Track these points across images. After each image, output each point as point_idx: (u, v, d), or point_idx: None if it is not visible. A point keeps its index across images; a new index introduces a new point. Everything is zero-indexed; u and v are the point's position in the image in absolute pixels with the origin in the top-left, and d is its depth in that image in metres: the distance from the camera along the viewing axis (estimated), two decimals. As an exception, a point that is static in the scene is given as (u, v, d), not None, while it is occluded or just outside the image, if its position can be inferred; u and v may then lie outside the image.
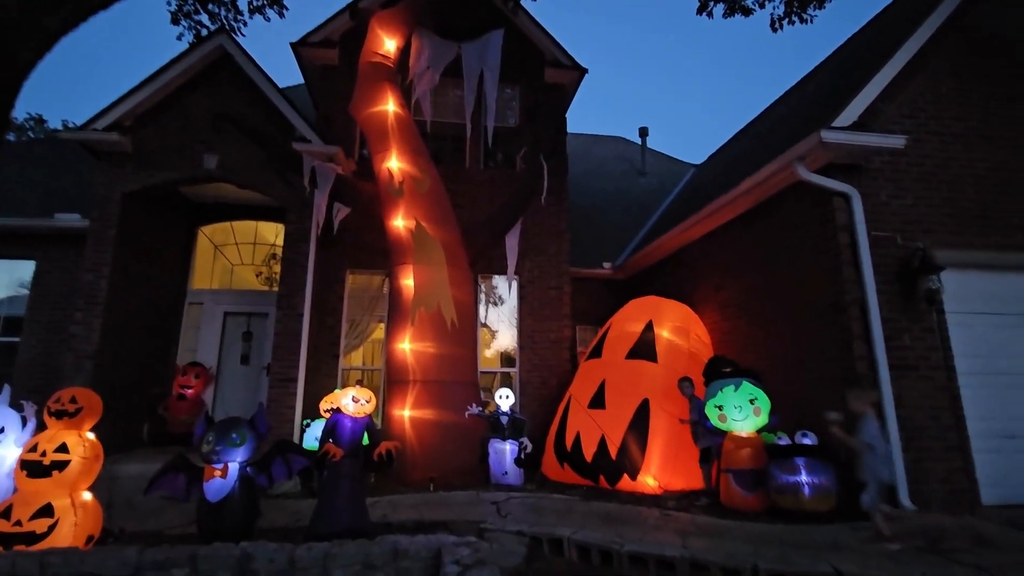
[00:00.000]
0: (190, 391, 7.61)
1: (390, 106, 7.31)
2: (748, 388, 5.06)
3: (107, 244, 6.91)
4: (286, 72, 12.53)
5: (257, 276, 9.23)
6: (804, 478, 4.48)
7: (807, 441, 4.70)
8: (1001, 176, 5.53)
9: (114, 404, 5.91)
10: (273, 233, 9.13)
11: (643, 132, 14.53)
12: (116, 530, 4.58)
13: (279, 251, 8.25)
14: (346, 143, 8.31)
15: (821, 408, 5.13)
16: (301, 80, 10.21)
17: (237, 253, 9.19)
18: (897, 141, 5.26)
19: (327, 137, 7.62)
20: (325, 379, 7.60)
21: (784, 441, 4.78)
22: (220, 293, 8.88)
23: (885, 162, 5.41)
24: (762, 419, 4.99)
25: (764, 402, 5.03)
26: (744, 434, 5.02)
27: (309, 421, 6.55)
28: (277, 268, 8.43)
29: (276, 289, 7.72)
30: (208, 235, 9.08)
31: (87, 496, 4.10)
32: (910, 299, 5.02)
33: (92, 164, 7.52)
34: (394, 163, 7.10)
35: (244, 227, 9.17)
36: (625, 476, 5.57)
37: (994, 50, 5.91)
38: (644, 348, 6.30)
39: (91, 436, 4.21)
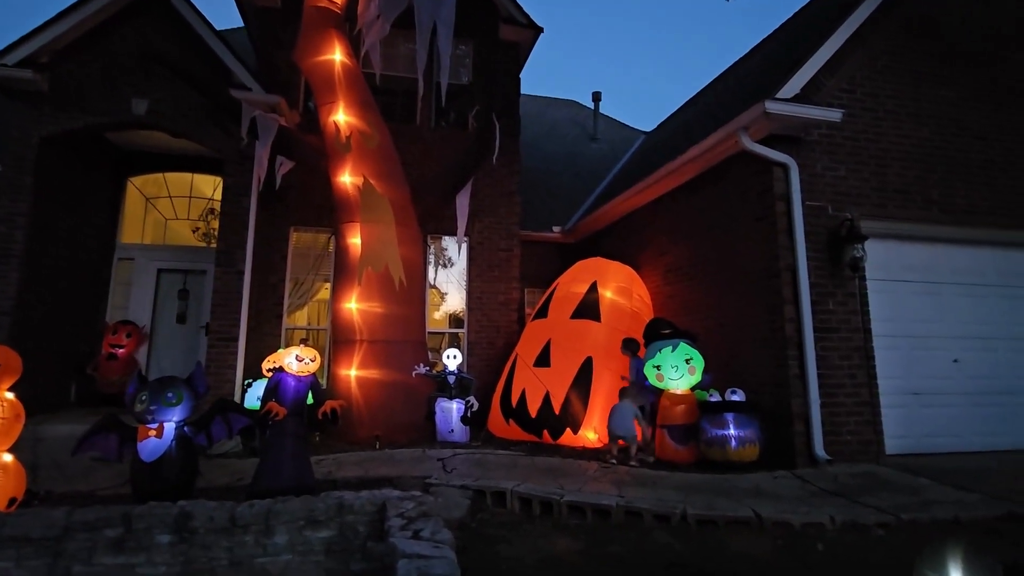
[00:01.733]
0: (121, 350, 7.28)
1: (337, 55, 6.96)
2: (685, 349, 5.31)
3: (23, 192, 6.39)
4: (224, 13, 11.67)
5: (194, 232, 8.79)
6: (732, 432, 4.80)
7: (736, 398, 5.01)
8: (923, 152, 5.88)
9: (36, 363, 5.60)
10: (211, 186, 8.67)
11: (596, 97, 14.51)
12: (42, 492, 4.40)
13: (217, 206, 7.86)
14: (289, 93, 7.91)
15: (752, 367, 5.49)
16: (241, 23, 9.56)
17: (171, 207, 8.70)
18: (835, 115, 5.48)
19: (269, 86, 7.22)
20: (268, 339, 7.42)
21: (715, 398, 5.07)
22: (153, 249, 8.42)
23: (823, 135, 5.64)
24: (696, 377, 5.28)
25: (699, 362, 5.30)
26: (679, 392, 5.30)
27: (251, 381, 6.42)
28: (215, 224, 8.06)
29: (214, 246, 7.39)
30: (138, 186, 8.54)
31: (7, 458, 3.90)
32: (836, 266, 5.34)
33: (2, 104, 6.86)
34: (341, 116, 6.82)
35: (178, 179, 8.66)
36: (568, 431, 5.79)
37: (926, 31, 6.18)
38: (588, 308, 6.49)
39: (10, 395, 3.97)
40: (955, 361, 5.63)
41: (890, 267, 5.64)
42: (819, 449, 4.84)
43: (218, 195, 7.88)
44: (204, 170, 8.38)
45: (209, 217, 8.72)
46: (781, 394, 5.07)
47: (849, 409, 5.08)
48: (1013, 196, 6.05)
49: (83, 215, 7.43)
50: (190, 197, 8.74)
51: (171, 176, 8.63)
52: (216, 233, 7.48)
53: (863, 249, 5.21)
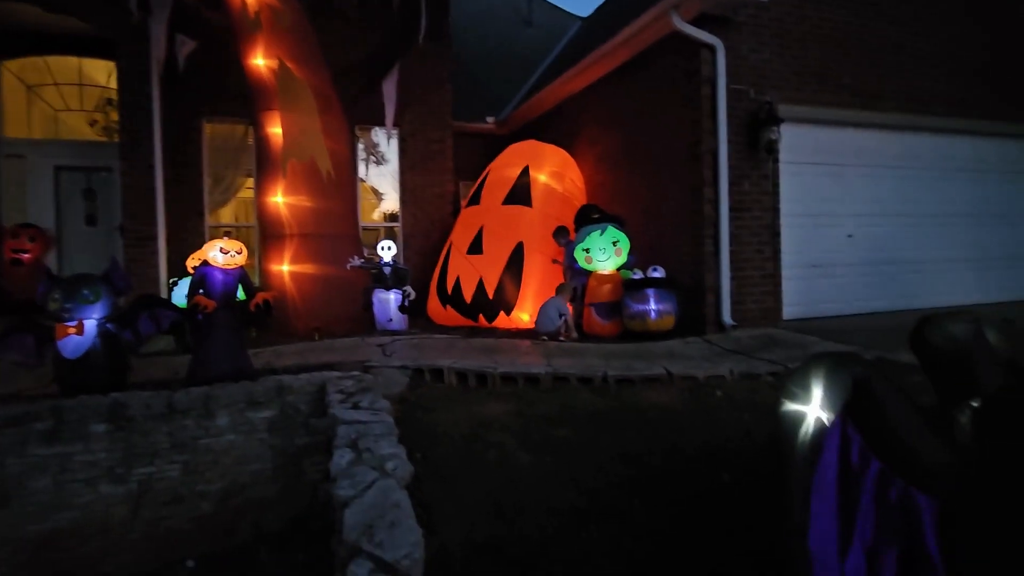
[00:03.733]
0: (26, 255, 6.79)
1: (234, -87, 6.11)
2: (612, 232, 5.55)
3: None
4: None
5: (91, 125, 7.98)
6: (652, 306, 5.20)
7: (657, 274, 5.37)
8: (840, 36, 6.02)
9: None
10: (104, 73, 7.78)
11: (532, -23, 13.60)
12: (-40, 396, 4.25)
13: (114, 95, 7.10)
14: (183, -40, 6.95)
15: (673, 246, 5.84)
16: None
17: (59, 96, 7.79)
18: (763, -7, 5.45)
19: (156, -50, 6.31)
20: (192, 237, 7.09)
21: (639, 275, 5.42)
22: (45, 144, 7.63)
23: (750, 15, 5.64)
24: (622, 259, 5.59)
25: (625, 244, 5.58)
26: (606, 272, 5.61)
27: (176, 280, 6.21)
28: (116, 116, 7.32)
29: (118, 140, 6.77)
30: (15, 72, 7.53)
31: (-86, 362, 3.71)
32: (753, 149, 5.59)
33: None
34: (246, -11, 6.12)
35: (63, 64, 7.69)
36: (501, 313, 6.07)
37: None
38: (520, 193, 6.55)
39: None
40: (849, 236, 6.19)
41: (802, 149, 5.95)
42: (727, 317, 5.35)
43: (113, 83, 7.10)
44: (93, 53, 7.45)
45: (107, 108, 7.90)
46: (697, 270, 5.47)
47: (755, 281, 5.57)
48: (916, 81, 6.38)
49: (-49, 105, 6.56)
50: (80, 85, 7.83)
51: (54, 60, 7.64)
52: (118, 126, 6.82)
53: (779, 132, 5.45)
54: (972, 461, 1.75)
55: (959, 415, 2.00)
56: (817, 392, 1.89)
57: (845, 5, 6.00)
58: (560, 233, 6.20)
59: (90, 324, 3.88)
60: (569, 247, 6.02)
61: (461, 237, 6.66)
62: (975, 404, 1.97)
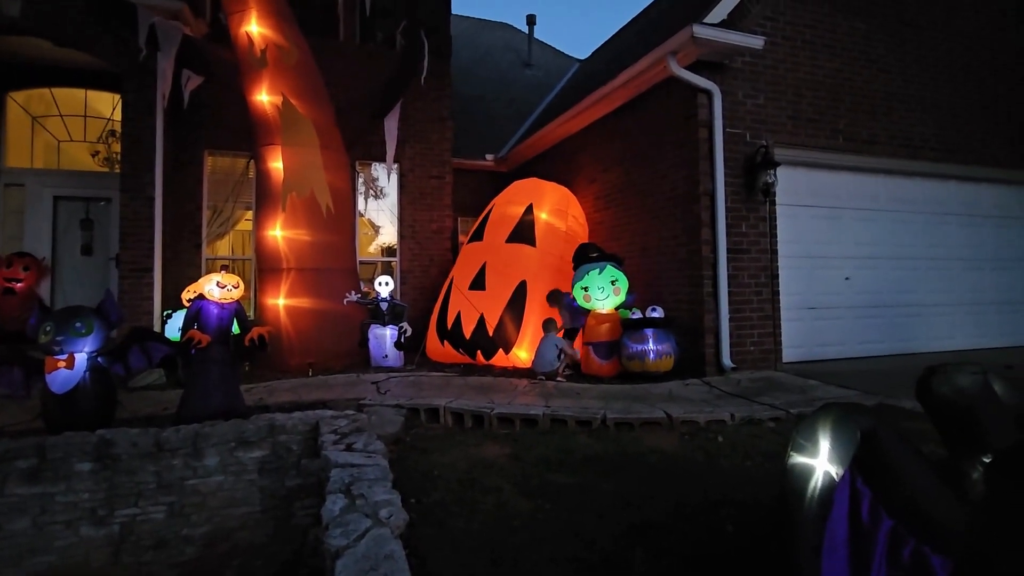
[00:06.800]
0: (19, 285, 6.73)
1: (244, -44, 6.30)
2: (610, 271, 5.55)
3: None
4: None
5: (94, 156, 8.02)
6: (651, 346, 5.16)
7: (656, 314, 5.35)
8: (834, 83, 6.18)
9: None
10: (108, 105, 7.86)
11: (530, 20, 14.03)
12: (-59, 430, 4.13)
13: (118, 126, 7.17)
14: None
15: (671, 286, 5.84)
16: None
17: (63, 127, 7.85)
18: (758, 42, 5.59)
19: (168, -11, 6.48)
20: (188, 269, 7.06)
21: (637, 315, 5.39)
22: (46, 174, 7.65)
23: (746, 62, 5.78)
24: (620, 298, 5.58)
25: (623, 283, 5.58)
26: (604, 311, 5.58)
27: (171, 312, 6.15)
28: (118, 147, 7.37)
29: (119, 171, 6.80)
30: (21, 103, 7.61)
31: (-103, 394, 3.62)
32: (750, 191, 5.65)
33: None
34: (254, 27, 6.26)
35: (69, 95, 7.78)
36: (500, 351, 6.01)
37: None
38: (524, 231, 6.54)
39: None
40: (847, 279, 6.22)
41: (798, 192, 6.03)
42: (726, 359, 5.31)
43: (118, 115, 7.18)
44: (99, 86, 7.55)
45: (110, 139, 7.96)
46: (696, 311, 5.46)
47: (754, 323, 5.56)
48: (908, 127, 6.53)
49: (-45, 134, 6.60)
50: (85, 116, 7.90)
51: (60, 92, 7.73)
52: (119, 157, 6.87)
53: (775, 175, 5.53)
54: (984, 518, 1.69)
55: (970, 470, 1.95)
56: (824, 444, 1.85)
57: (837, 54, 6.18)
58: (553, 298, 6.03)
59: (80, 358, 3.81)
60: (566, 304, 5.87)
61: (463, 273, 6.64)
62: (986, 460, 1.92)
